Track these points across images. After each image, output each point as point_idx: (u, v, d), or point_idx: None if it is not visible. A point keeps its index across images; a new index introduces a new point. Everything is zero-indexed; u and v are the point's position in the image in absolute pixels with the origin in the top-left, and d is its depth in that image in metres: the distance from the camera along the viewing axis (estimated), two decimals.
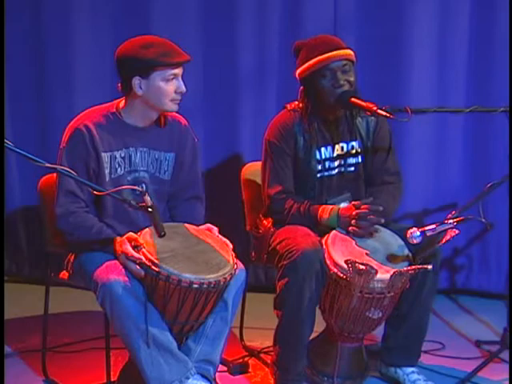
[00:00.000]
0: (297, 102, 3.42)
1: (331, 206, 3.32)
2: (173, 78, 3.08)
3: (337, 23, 4.30)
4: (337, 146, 3.42)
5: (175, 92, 3.10)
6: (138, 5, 4.37)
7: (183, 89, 3.11)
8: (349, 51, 3.33)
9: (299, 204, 3.34)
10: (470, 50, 4.32)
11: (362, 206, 3.25)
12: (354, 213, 3.25)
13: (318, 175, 3.40)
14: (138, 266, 2.91)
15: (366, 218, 3.23)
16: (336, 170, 3.44)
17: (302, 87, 3.40)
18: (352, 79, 3.30)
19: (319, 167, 3.40)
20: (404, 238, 3.19)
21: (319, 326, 3.36)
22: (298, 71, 3.38)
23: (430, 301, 3.36)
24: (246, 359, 3.62)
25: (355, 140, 3.44)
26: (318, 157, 3.40)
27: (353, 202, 3.30)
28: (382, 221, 3.24)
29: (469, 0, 4.28)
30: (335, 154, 3.42)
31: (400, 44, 4.30)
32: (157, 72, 3.06)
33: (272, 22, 4.35)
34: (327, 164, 3.42)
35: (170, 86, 3.09)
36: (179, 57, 3.08)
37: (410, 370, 3.39)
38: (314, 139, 3.38)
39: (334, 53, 3.29)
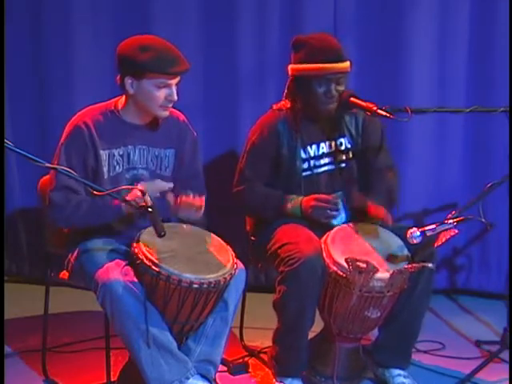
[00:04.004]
0: (283, 102, 3.43)
1: (297, 198, 3.34)
2: (165, 86, 3.05)
3: (337, 23, 4.30)
4: (322, 144, 3.43)
5: (165, 99, 3.06)
6: (138, 5, 4.36)
7: (174, 97, 3.07)
8: (347, 64, 3.34)
9: (270, 189, 3.36)
10: (470, 49, 4.32)
11: (322, 197, 3.29)
12: (312, 203, 3.28)
13: (304, 174, 3.40)
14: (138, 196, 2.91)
15: (321, 208, 3.27)
16: (324, 168, 3.43)
17: (290, 82, 3.41)
18: (342, 89, 3.33)
19: (305, 166, 3.40)
20: (404, 237, 3.19)
21: (318, 326, 3.35)
22: (294, 67, 3.38)
23: (423, 301, 3.31)
24: (246, 359, 3.62)
25: (344, 136, 3.45)
26: (303, 155, 3.40)
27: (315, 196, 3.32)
28: (335, 213, 3.29)
29: (469, 0, 4.28)
30: (321, 152, 3.43)
31: (400, 44, 4.29)
32: (148, 77, 3.02)
33: (272, 22, 4.34)
34: (313, 162, 3.41)
35: (160, 93, 3.05)
36: (175, 67, 3.03)
37: (397, 372, 3.35)
38: (299, 138, 3.38)
39: (335, 65, 3.30)
